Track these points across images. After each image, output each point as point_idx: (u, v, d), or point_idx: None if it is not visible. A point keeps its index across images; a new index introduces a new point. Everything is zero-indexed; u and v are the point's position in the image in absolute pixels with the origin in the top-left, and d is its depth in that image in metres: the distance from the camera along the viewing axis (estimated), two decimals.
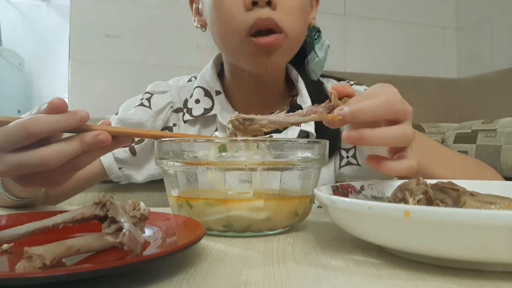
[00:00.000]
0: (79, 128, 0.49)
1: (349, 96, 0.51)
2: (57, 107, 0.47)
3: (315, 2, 0.84)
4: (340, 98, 0.51)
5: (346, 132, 0.47)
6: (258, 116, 0.50)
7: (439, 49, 2.42)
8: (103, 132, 0.49)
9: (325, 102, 0.51)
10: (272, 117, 0.50)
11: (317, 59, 0.83)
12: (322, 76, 0.88)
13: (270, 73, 0.76)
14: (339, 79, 0.91)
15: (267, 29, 0.69)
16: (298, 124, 0.52)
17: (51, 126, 0.46)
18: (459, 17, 2.41)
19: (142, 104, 0.84)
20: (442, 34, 2.43)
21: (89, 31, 1.79)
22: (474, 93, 2.18)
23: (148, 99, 0.85)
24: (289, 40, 0.72)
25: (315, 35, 0.83)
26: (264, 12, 0.68)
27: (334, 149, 0.83)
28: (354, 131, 0.47)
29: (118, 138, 0.53)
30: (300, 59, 0.85)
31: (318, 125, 0.78)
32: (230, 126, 0.51)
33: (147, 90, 0.88)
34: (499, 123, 1.28)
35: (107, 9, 1.90)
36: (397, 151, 0.51)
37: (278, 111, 0.52)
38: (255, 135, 0.51)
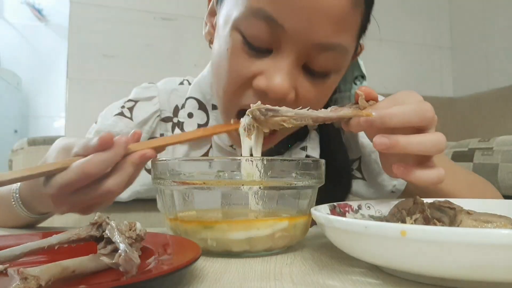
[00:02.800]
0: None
1: (375, 100, 0.49)
2: (106, 143, 0.47)
3: (354, 58, 0.69)
4: (366, 101, 0.49)
5: (376, 138, 0.45)
6: (284, 108, 0.47)
7: (434, 68, 2.45)
8: (147, 150, 0.49)
9: (350, 104, 0.49)
10: (299, 110, 0.47)
11: (348, 97, 0.72)
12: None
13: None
14: None
15: None
16: (327, 120, 0.48)
17: (105, 164, 0.47)
18: (454, 36, 2.43)
19: (122, 114, 0.75)
20: (438, 53, 2.46)
21: (87, 51, 1.80)
22: (470, 112, 2.19)
23: (130, 109, 0.75)
24: (293, 128, 0.61)
25: (356, 78, 0.72)
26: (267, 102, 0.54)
27: (347, 174, 0.78)
28: (386, 137, 0.44)
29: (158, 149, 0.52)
30: None
31: (324, 151, 0.75)
32: (249, 116, 0.47)
33: (131, 96, 0.77)
34: (496, 141, 1.28)
35: (105, 29, 1.91)
36: (421, 161, 0.48)
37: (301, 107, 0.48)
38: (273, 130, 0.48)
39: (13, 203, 0.61)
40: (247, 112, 0.47)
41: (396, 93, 0.50)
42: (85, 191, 0.47)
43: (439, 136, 0.47)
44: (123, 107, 0.76)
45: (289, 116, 0.47)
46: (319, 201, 0.51)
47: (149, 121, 0.75)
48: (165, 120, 0.76)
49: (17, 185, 0.61)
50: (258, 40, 0.56)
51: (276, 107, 0.47)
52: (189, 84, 0.79)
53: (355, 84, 0.72)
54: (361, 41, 0.66)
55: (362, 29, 0.62)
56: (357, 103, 0.49)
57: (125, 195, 0.78)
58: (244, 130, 0.48)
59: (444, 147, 0.47)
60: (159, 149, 0.52)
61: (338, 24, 0.54)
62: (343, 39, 0.56)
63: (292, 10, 0.53)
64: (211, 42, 0.68)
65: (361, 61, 0.72)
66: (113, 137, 0.47)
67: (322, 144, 0.77)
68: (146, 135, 0.75)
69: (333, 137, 0.75)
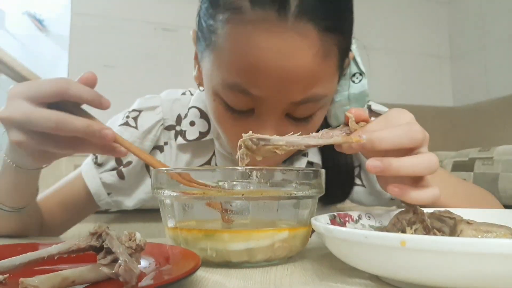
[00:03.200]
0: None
1: (365, 121, 0.50)
2: (88, 79, 0.54)
3: (346, 65, 0.69)
4: (356, 123, 0.49)
5: (369, 161, 0.45)
6: (275, 136, 0.47)
7: (434, 78, 2.46)
8: (111, 130, 0.53)
9: (341, 126, 0.50)
10: (289, 137, 0.48)
11: (347, 107, 0.71)
12: None
13: None
14: None
15: None
16: (318, 146, 0.49)
17: (78, 91, 0.51)
18: (453, 46, 2.44)
19: (127, 124, 0.76)
20: (437, 63, 2.47)
21: (87, 61, 1.81)
22: (469, 121, 2.20)
23: (135, 118, 0.77)
24: (287, 154, 0.65)
25: (353, 75, 0.72)
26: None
27: (350, 181, 0.79)
28: (379, 161, 0.45)
29: (116, 146, 0.55)
30: None
31: (325, 156, 0.76)
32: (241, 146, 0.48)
33: (135, 106, 0.79)
34: (496, 151, 1.29)
35: (106, 40, 1.93)
36: (417, 179, 0.48)
37: (292, 132, 0.49)
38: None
39: None
40: (239, 142, 0.48)
41: (387, 112, 0.51)
42: (45, 110, 0.51)
43: (431, 157, 0.47)
44: (127, 117, 0.78)
45: (280, 144, 0.47)
46: (319, 204, 0.52)
47: (153, 130, 0.77)
48: (168, 128, 0.78)
49: None
50: (239, 106, 0.59)
51: (267, 136, 0.47)
52: (191, 94, 0.81)
53: (353, 82, 0.71)
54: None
55: (344, 54, 0.62)
56: (347, 125, 0.50)
57: (130, 204, 0.79)
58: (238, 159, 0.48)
59: (436, 167, 0.47)
60: (125, 150, 0.57)
61: (310, 81, 0.56)
62: (319, 89, 0.58)
63: (263, 81, 0.55)
64: (200, 85, 0.70)
65: (358, 57, 0.72)
66: (96, 79, 0.56)
67: (325, 149, 0.76)
68: (151, 143, 0.77)
69: None
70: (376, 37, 2.37)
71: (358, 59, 0.72)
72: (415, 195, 0.46)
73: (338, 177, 0.72)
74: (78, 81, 0.54)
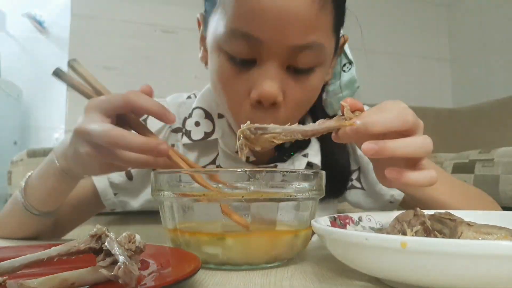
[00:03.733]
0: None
1: (360, 111, 0.50)
2: (145, 91, 0.57)
3: (340, 49, 0.74)
4: (352, 112, 0.49)
5: (365, 144, 0.46)
6: (271, 125, 0.48)
7: (434, 79, 2.46)
8: (166, 144, 0.54)
9: (337, 116, 0.50)
10: (286, 126, 0.48)
11: (340, 95, 0.76)
12: None
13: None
14: None
15: None
16: (315, 134, 0.49)
17: (146, 103, 0.55)
18: (453, 48, 2.45)
19: None
20: (437, 65, 2.47)
21: (87, 63, 1.80)
22: (470, 123, 2.20)
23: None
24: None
25: (344, 65, 0.76)
26: (267, 116, 0.62)
27: (346, 182, 0.80)
28: (373, 143, 0.45)
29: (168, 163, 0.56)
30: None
31: (325, 157, 0.76)
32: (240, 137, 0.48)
33: None
34: (496, 152, 1.29)
35: (106, 42, 1.93)
36: (413, 163, 0.49)
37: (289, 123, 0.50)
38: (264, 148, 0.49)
39: (20, 198, 0.65)
40: (238, 133, 0.48)
41: (382, 103, 0.52)
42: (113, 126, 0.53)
43: (425, 138, 0.48)
44: None
45: (278, 132, 0.48)
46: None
47: (162, 132, 0.79)
48: (176, 130, 0.80)
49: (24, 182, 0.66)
50: (241, 55, 0.61)
51: (264, 125, 0.48)
52: (196, 97, 0.83)
53: (344, 71, 0.76)
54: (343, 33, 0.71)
55: (338, 23, 0.66)
56: (343, 114, 0.50)
57: (136, 205, 0.81)
58: (236, 152, 0.49)
59: (431, 148, 0.48)
60: (176, 166, 0.56)
61: (308, 26, 0.59)
62: (317, 37, 0.61)
63: (264, 23, 0.58)
64: (206, 64, 0.73)
65: (347, 48, 0.76)
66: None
67: (324, 150, 0.78)
68: None
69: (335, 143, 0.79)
70: (377, 39, 2.37)
71: (348, 51, 0.76)
72: (413, 177, 0.47)
73: (334, 175, 0.73)
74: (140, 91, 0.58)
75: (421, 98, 2.37)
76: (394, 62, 2.40)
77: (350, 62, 0.77)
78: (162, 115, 0.56)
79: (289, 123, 0.49)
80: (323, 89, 0.77)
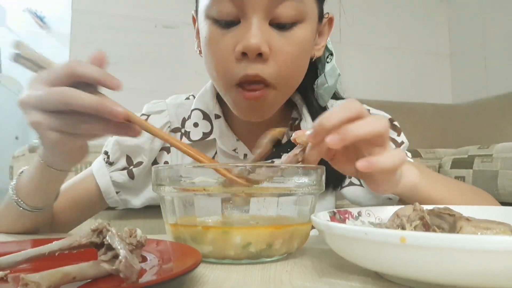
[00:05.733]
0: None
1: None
2: (96, 58, 0.54)
3: (327, 28, 0.79)
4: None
5: (328, 138, 0.48)
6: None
7: (433, 75, 2.45)
8: (123, 107, 0.52)
9: (294, 149, 0.54)
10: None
11: (326, 85, 0.80)
12: (336, 98, 0.87)
13: (259, 120, 0.73)
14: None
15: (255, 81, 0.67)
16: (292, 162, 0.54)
17: (87, 70, 0.52)
18: (453, 43, 2.44)
19: None
20: (436, 60, 2.47)
21: (88, 58, 1.81)
22: (469, 119, 2.20)
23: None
24: (279, 92, 0.69)
25: (327, 57, 0.81)
26: (252, 67, 0.65)
27: (342, 177, 0.81)
28: (335, 133, 0.48)
29: (131, 125, 0.55)
30: (309, 81, 0.82)
31: None
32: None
33: (143, 111, 0.84)
34: (495, 148, 1.29)
35: (107, 37, 1.92)
36: (380, 150, 0.51)
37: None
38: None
39: (12, 196, 0.65)
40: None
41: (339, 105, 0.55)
42: (62, 88, 0.51)
43: (377, 117, 0.51)
44: None
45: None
46: None
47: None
48: (174, 130, 0.83)
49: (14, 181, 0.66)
50: (225, 15, 0.65)
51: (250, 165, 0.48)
52: (194, 98, 0.85)
53: (327, 62, 0.80)
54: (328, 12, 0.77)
55: None
56: (298, 143, 0.54)
57: (137, 203, 0.83)
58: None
59: (387, 125, 0.50)
60: (135, 128, 0.56)
61: None
62: None
63: None
64: (200, 52, 0.77)
65: (329, 43, 0.81)
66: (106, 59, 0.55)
67: None
68: (160, 143, 0.81)
69: None
70: (376, 35, 2.37)
71: (330, 45, 0.81)
72: (383, 160, 0.49)
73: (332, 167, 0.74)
74: (88, 61, 0.55)
75: (421, 94, 2.37)
76: (394, 58, 2.40)
77: (331, 54, 0.81)
78: (107, 82, 0.53)
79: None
80: (316, 82, 0.81)
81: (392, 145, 0.54)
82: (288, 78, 0.69)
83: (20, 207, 0.65)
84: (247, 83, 0.66)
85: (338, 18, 0.84)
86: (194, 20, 0.78)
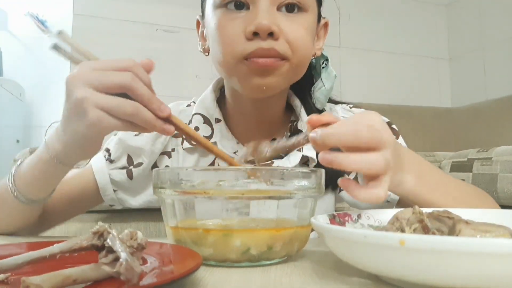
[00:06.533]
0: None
1: (329, 123, 0.51)
2: (146, 65, 0.58)
3: (323, 32, 0.83)
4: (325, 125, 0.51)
5: (320, 154, 0.48)
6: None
7: (433, 79, 2.46)
8: (166, 107, 0.56)
9: (305, 131, 0.53)
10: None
11: (323, 88, 0.82)
12: (334, 102, 0.89)
13: (266, 95, 0.73)
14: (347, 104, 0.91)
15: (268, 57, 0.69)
16: (290, 147, 0.55)
17: (141, 93, 0.55)
18: (452, 47, 2.45)
19: None
20: (436, 64, 2.47)
21: None
22: (468, 122, 2.20)
23: None
24: (290, 65, 0.71)
25: (323, 63, 0.84)
26: (265, 43, 0.67)
27: (342, 172, 0.82)
28: (327, 153, 0.48)
29: (166, 124, 0.57)
30: (307, 87, 0.84)
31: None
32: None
33: None
34: (495, 151, 1.29)
35: (108, 41, 1.93)
36: (372, 177, 0.50)
37: (278, 138, 0.53)
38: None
39: (8, 184, 0.65)
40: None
41: (355, 115, 0.55)
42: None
43: (378, 156, 0.48)
44: None
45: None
46: None
47: (162, 136, 0.82)
48: (176, 136, 0.82)
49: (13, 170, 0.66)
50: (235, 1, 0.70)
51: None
52: (195, 104, 0.86)
53: (322, 67, 0.83)
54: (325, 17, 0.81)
55: None
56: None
57: (135, 203, 0.83)
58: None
59: (383, 168, 0.48)
60: (181, 133, 0.60)
61: None
62: None
63: None
64: (206, 51, 0.80)
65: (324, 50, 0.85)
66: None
67: None
68: (161, 146, 0.82)
69: None
70: (375, 39, 2.37)
71: (324, 52, 0.84)
72: (357, 193, 0.48)
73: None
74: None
75: (420, 98, 2.38)
76: (393, 62, 2.40)
77: (327, 59, 0.84)
78: (155, 107, 0.56)
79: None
80: (312, 86, 0.84)
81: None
82: (300, 53, 0.71)
83: (17, 198, 0.64)
84: (258, 56, 0.69)
85: (338, 23, 0.86)
86: (199, 24, 0.81)
